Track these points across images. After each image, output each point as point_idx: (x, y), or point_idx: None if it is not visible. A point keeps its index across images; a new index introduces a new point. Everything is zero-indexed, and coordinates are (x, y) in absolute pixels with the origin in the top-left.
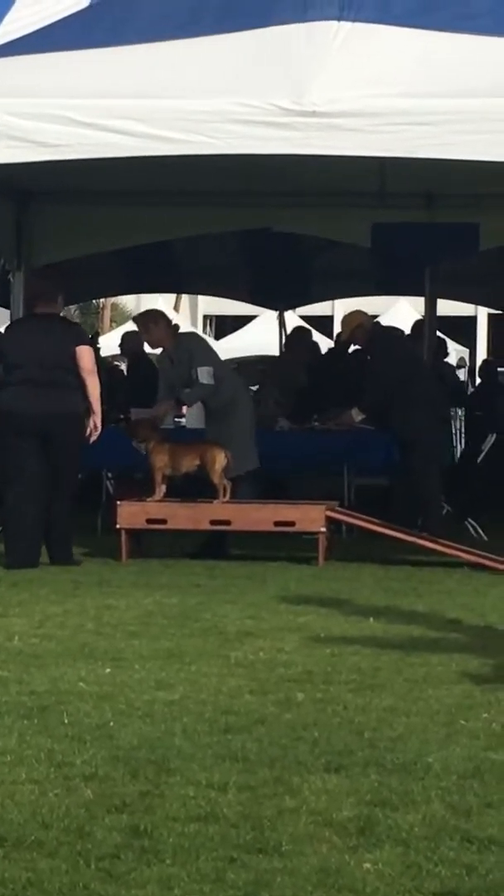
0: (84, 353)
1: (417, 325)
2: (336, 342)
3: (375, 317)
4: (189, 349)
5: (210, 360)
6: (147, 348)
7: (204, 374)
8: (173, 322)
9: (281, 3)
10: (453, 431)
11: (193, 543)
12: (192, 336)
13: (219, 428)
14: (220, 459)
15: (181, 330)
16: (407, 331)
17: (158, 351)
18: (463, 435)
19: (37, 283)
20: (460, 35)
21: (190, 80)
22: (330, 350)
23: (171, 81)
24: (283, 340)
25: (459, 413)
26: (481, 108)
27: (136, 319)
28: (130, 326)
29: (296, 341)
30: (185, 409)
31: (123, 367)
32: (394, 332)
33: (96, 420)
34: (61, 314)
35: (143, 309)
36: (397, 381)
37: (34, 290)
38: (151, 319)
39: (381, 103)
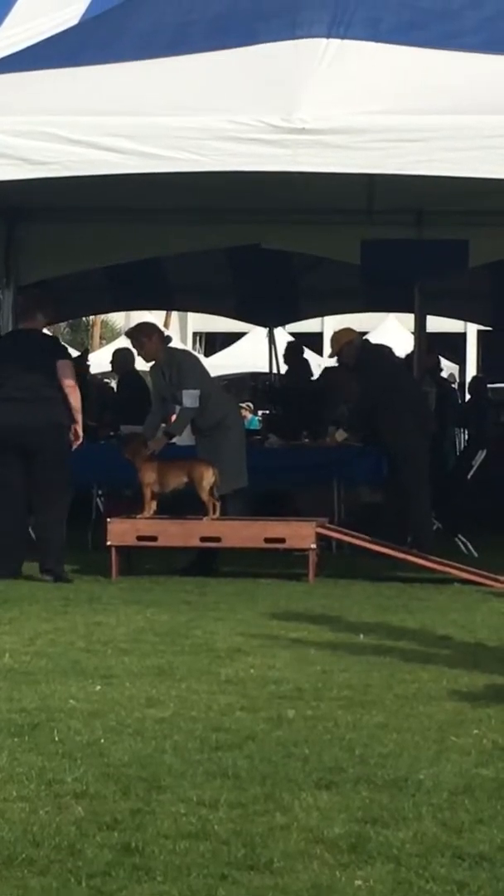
0: (63, 368)
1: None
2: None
3: (365, 333)
4: (178, 367)
5: (197, 379)
6: (138, 365)
7: (188, 398)
8: (165, 335)
9: (270, 21)
10: (454, 447)
11: (183, 560)
12: (183, 354)
13: (209, 446)
14: (207, 476)
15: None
16: (398, 347)
17: (149, 367)
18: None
19: (20, 301)
20: (449, 52)
21: (179, 97)
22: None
23: (160, 99)
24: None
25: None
26: (470, 125)
27: (129, 333)
28: (120, 343)
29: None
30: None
31: (113, 383)
32: (382, 348)
33: (77, 429)
34: (43, 330)
35: (132, 326)
36: (384, 398)
37: (17, 309)
38: (145, 333)
39: (370, 120)
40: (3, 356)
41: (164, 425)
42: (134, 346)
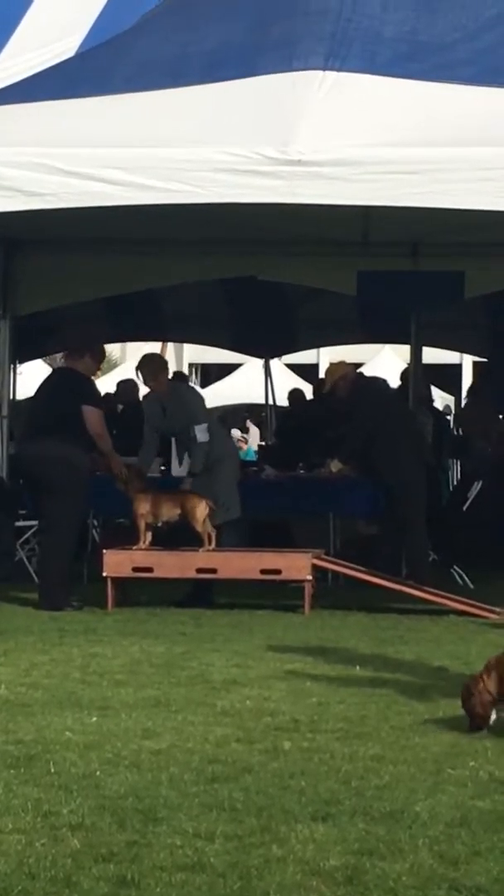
0: (88, 414)
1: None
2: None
3: (360, 365)
4: (186, 403)
5: (206, 413)
6: (141, 396)
7: (200, 433)
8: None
9: (266, 53)
10: (448, 479)
11: (180, 592)
12: (188, 390)
13: (204, 479)
14: (201, 508)
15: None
16: (393, 378)
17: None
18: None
19: (72, 337)
20: (444, 84)
21: (175, 129)
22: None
23: (157, 130)
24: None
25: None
26: (465, 157)
27: (143, 362)
28: (117, 374)
29: None
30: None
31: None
32: (376, 381)
33: (110, 465)
34: (84, 370)
35: (128, 357)
36: (380, 430)
37: (69, 345)
38: (160, 366)
39: (365, 152)
40: (38, 392)
41: (186, 474)
42: (144, 376)
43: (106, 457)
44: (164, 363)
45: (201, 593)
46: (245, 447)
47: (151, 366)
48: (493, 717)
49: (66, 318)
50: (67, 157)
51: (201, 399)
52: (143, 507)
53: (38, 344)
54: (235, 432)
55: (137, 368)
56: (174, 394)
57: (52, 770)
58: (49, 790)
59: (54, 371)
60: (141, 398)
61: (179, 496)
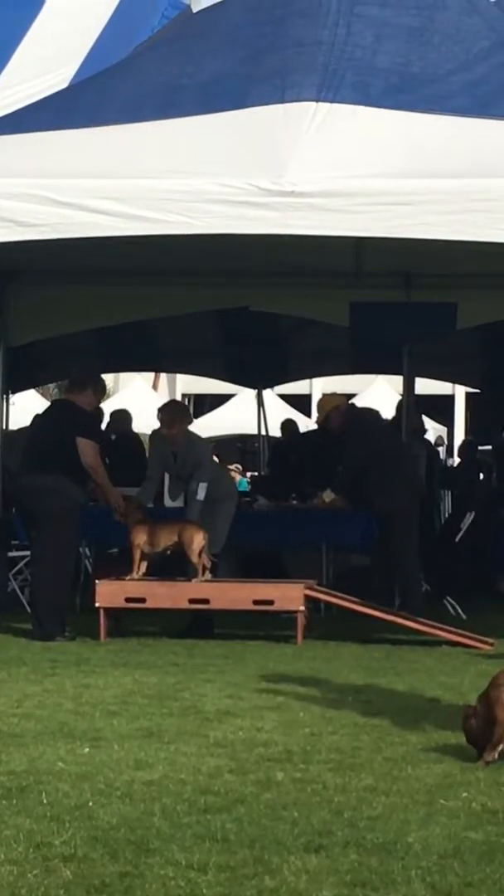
0: (82, 446)
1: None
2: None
3: (352, 396)
4: (197, 458)
5: (210, 472)
6: (134, 426)
7: (201, 491)
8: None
9: (259, 85)
10: (440, 509)
11: (173, 621)
12: (202, 444)
13: (204, 510)
14: (198, 539)
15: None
16: (386, 409)
17: (150, 432)
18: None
19: (75, 373)
20: (436, 116)
21: (168, 160)
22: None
23: (150, 162)
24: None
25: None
26: (458, 189)
27: (164, 409)
28: (111, 404)
29: None
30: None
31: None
32: (369, 413)
33: (108, 497)
34: (81, 403)
35: (121, 387)
36: (372, 461)
37: (71, 379)
38: (179, 417)
39: (358, 183)
40: (36, 424)
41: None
42: (163, 422)
43: (102, 489)
44: (184, 413)
45: (202, 624)
46: (238, 478)
47: (169, 413)
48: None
49: (60, 348)
50: (61, 188)
51: (210, 453)
52: (140, 538)
53: (31, 374)
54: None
55: (159, 411)
56: (187, 444)
57: (45, 801)
58: (41, 821)
59: (54, 403)
60: (134, 428)
61: (177, 525)
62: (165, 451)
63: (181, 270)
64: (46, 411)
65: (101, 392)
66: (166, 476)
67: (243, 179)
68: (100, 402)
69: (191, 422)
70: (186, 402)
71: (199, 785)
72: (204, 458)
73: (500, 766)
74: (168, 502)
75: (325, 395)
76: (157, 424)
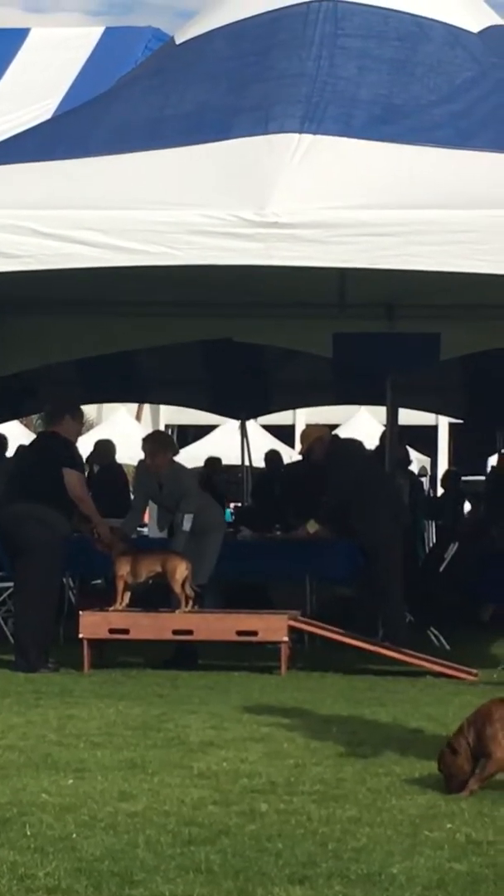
0: (68, 478)
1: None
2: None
3: (336, 427)
4: (184, 489)
5: (196, 503)
6: (118, 457)
7: (187, 522)
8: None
9: (242, 116)
10: (423, 540)
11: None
12: (188, 475)
13: (191, 541)
14: (181, 569)
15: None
16: (370, 440)
17: (136, 463)
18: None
19: (50, 405)
20: (419, 147)
21: (152, 191)
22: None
23: (134, 193)
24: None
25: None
26: (440, 220)
27: (146, 439)
28: (93, 435)
29: None
30: (146, 518)
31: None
32: (352, 443)
33: (95, 528)
34: (63, 433)
35: (104, 418)
36: (356, 491)
37: (47, 411)
38: (162, 447)
39: (342, 214)
40: (21, 456)
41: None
42: (146, 453)
43: (89, 520)
44: (168, 444)
45: (186, 655)
46: None
47: (152, 444)
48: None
49: (44, 379)
50: (45, 219)
51: (196, 483)
52: (124, 569)
53: (13, 405)
54: None
55: (143, 441)
56: (173, 474)
57: (28, 832)
58: (25, 853)
59: (38, 436)
60: (116, 459)
61: (160, 556)
62: (151, 481)
63: (165, 301)
64: (31, 444)
65: (80, 418)
66: (154, 511)
67: (227, 210)
68: (82, 427)
69: (175, 452)
70: (170, 433)
71: (183, 816)
72: (189, 489)
73: (484, 797)
74: (155, 532)
75: (308, 427)
76: (141, 455)
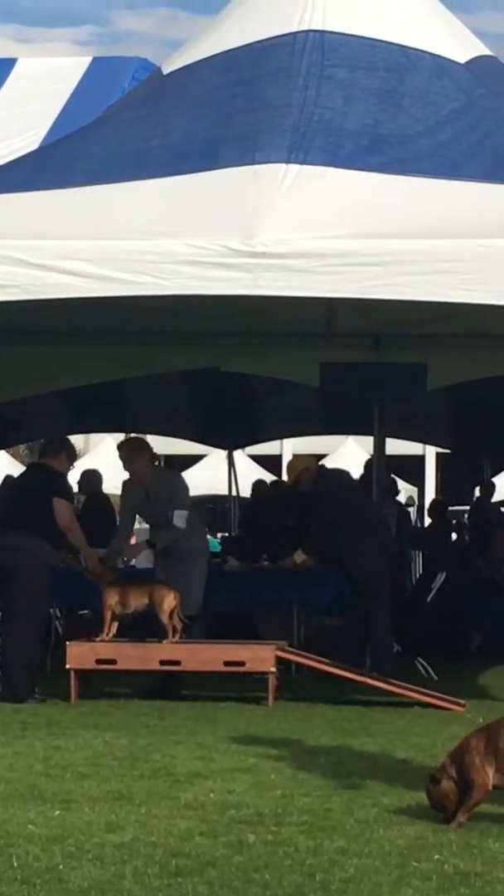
0: (58, 507)
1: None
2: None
3: (323, 456)
4: (171, 488)
5: (188, 502)
6: (105, 487)
7: (179, 518)
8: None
9: (230, 146)
10: (410, 569)
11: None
12: (175, 474)
13: (175, 570)
14: (168, 600)
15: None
16: (357, 470)
17: (122, 483)
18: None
19: (48, 440)
20: (406, 177)
21: (139, 221)
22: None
23: (120, 223)
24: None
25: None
26: (427, 250)
27: (121, 447)
28: (80, 465)
29: None
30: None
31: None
32: (339, 473)
33: (85, 559)
34: (55, 466)
35: (91, 448)
36: (343, 521)
37: (44, 444)
38: (137, 451)
39: (329, 244)
40: (10, 487)
41: (145, 542)
42: (123, 462)
43: (79, 551)
44: (143, 447)
45: (168, 685)
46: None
47: (127, 450)
48: None
49: (31, 409)
50: (31, 249)
51: (185, 486)
52: (112, 599)
53: (0, 435)
54: None
55: (118, 449)
56: (156, 477)
57: (15, 864)
58: (12, 884)
59: (29, 466)
60: (103, 489)
61: (148, 587)
62: (137, 493)
63: (152, 331)
64: (22, 475)
65: (74, 457)
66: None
67: (214, 240)
68: (72, 465)
69: (153, 456)
70: (157, 463)
71: (171, 847)
72: (176, 486)
73: (472, 829)
74: (142, 563)
75: (295, 457)
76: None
